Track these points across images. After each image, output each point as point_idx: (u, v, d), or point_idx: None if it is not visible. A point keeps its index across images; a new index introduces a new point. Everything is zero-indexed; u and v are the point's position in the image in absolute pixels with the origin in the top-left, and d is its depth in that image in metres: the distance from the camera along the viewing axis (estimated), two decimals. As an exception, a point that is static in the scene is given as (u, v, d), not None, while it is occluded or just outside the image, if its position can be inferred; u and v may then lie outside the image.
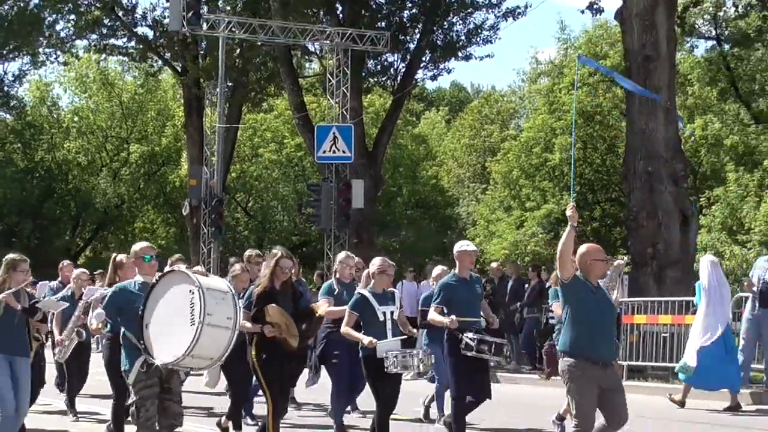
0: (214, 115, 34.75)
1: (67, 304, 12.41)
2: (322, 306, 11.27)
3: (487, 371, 11.80)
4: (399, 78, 36.49)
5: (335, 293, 13.07)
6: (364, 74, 35.39)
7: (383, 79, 37.77)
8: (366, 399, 12.94)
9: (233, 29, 31.35)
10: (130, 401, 9.81)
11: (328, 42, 32.22)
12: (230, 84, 37.31)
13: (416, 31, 35.91)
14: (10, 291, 10.46)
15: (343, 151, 30.14)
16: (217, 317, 9.12)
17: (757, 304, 17.22)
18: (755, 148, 35.46)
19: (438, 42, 35.76)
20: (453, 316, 11.36)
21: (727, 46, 36.37)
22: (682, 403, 15.86)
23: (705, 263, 15.78)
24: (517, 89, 60.17)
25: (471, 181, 55.07)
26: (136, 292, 9.90)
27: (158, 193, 54.62)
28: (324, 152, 30.38)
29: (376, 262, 11.48)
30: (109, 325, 10.82)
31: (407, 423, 13.91)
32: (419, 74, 37.64)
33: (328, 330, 13.04)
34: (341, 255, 13.74)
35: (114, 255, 12.15)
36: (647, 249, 22.69)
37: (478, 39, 36.05)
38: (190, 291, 9.18)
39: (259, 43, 34.42)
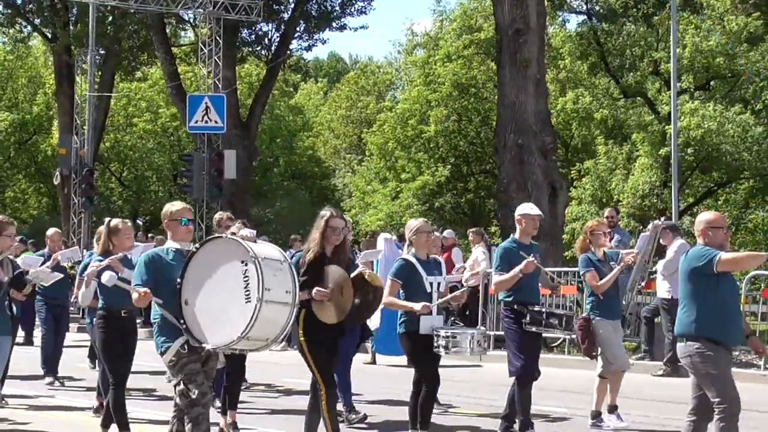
0: (85, 83, 34.15)
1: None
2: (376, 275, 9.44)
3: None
4: (273, 48, 36.31)
5: None
6: (237, 44, 35.08)
7: (257, 48, 37.53)
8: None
9: (104, -5, 30.78)
10: (173, 381, 8.09)
11: (200, 10, 31.85)
12: (102, 52, 36.70)
13: (290, 0, 35.72)
14: None
15: (216, 122, 29.89)
16: (276, 292, 7.75)
17: None
18: (624, 122, 36.08)
19: (312, 12, 35.65)
20: (547, 270, 10.09)
21: (597, 21, 36.87)
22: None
23: (380, 240, 15.30)
24: (393, 61, 60.35)
25: (347, 152, 55.16)
26: (170, 261, 8.20)
27: (29, 162, 53.52)
28: (196, 122, 30.10)
29: (413, 225, 10.00)
30: (100, 300, 9.80)
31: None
32: (294, 44, 37.62)
33: None
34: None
35: (108, 219, 10.60)
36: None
37: (353, 9, 36.20)
38: (243, 262, 7.76)
39: (131, 11, 33.85)
